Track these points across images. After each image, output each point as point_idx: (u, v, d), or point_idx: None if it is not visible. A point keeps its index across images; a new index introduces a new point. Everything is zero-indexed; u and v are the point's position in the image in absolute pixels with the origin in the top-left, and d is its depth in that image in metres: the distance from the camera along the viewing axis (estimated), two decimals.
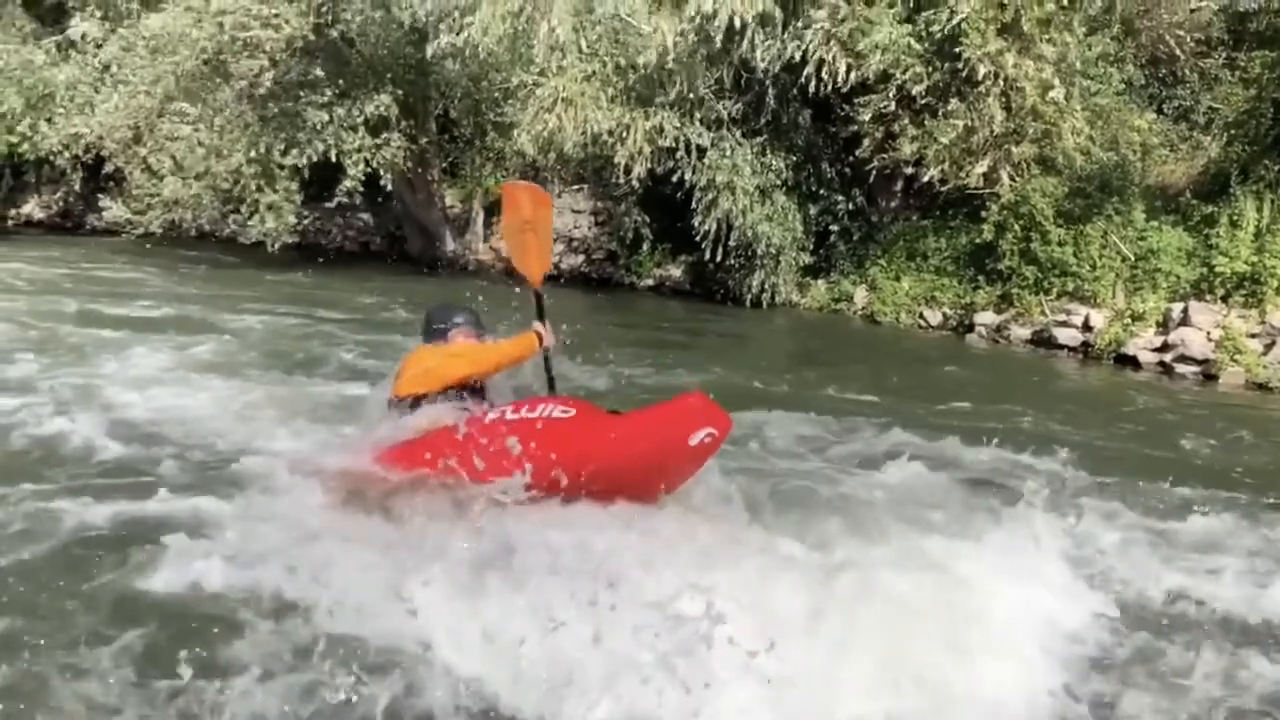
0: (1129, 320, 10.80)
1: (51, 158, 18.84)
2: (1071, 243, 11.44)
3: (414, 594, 3.22)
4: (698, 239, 13.53)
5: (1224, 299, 10.49)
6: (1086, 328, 11.12)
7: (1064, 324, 11.30)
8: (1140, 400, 8.64)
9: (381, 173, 15.08)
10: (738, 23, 12.16)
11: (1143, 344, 10.56)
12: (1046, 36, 11.92)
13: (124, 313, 10.01)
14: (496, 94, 15.16)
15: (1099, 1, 12.35)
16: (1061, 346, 11.18)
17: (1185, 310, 10.39)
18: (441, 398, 4.34)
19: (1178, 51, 13.64)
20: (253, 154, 14.32)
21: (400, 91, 15.11)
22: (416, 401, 4.34)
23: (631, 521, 3.62)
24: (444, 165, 17.61)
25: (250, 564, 3.54)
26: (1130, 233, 11.35)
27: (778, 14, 12.37)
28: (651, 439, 3.77)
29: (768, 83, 13.09)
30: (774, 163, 13.43)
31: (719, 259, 13.51)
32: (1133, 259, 11.22)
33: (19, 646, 3.05)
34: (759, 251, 13.33)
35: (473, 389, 4.45)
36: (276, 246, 14.95)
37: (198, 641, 3.07)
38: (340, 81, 14.71)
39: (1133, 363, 10.46)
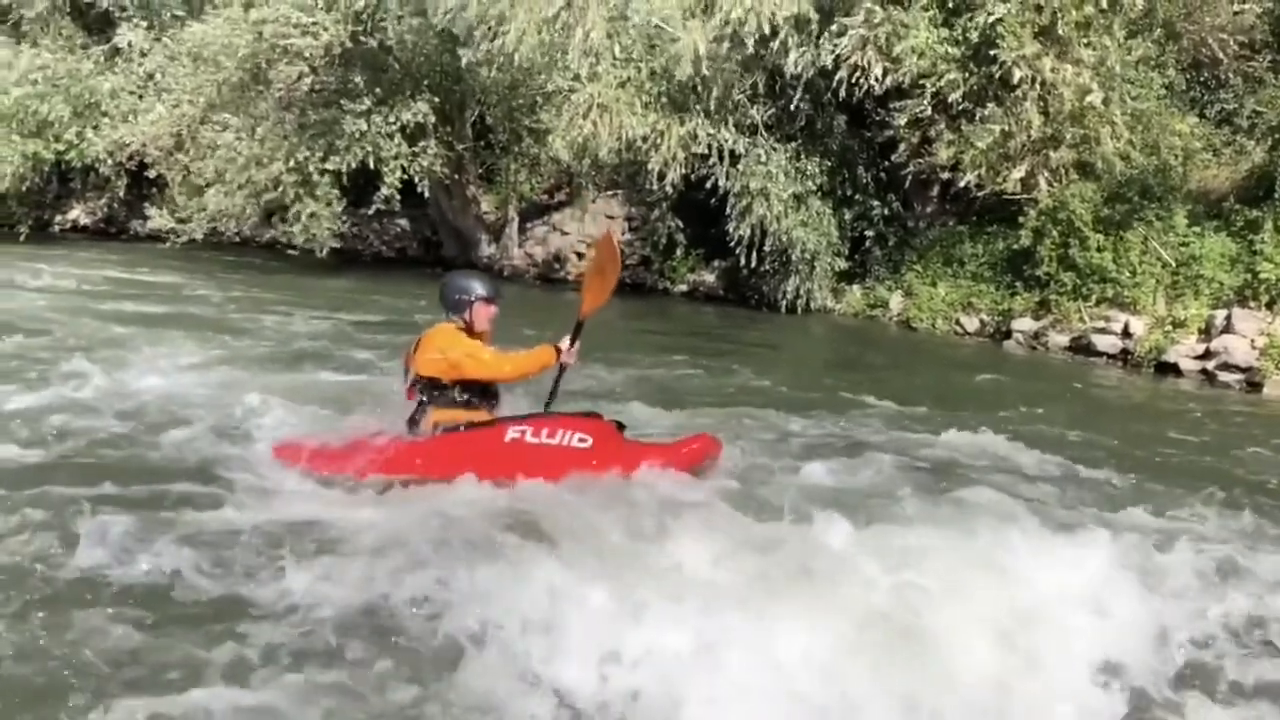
0: (1170, 327, 10.65)
1: (97, 165, 19.23)
2: (1111, 249, 11.31)
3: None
4: (732, 245, 13.53)
5: (1269, 305, 10.33)
6: (1126, 335, 10.98)
7: (1103, 331, 11.16)
8: (1184, 409, 8.52)
9: (418, 179, 15.23)
10: (766, 27, 12.15)
11: (1184, 351, 10.41)
12: (1085, 40, 11.81)
13: (169, 311, 10.25)
14: (532, 100, 15.24)
15: (1140, 4, 12.17)
16: (1101, 354, 11.04)
17: (1228, 317, 10.23)
18: (456, 389, 4.74)
19: (1220, 55, 13.42)
20: (292, 162, 14.52)
21: (437, 99, 15.25)
22: (433, 383, 4.73)
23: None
24: (480, 171, 17.74)
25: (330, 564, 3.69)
26: (1172, 238, 11.20)
27: (813, 17, 12.34)
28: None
29: (802, 88, 13.06)
30: (808, 168, 13.40)
31: (753, 265, 13.50)
32: (1174, 265, 11.07)
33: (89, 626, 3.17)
34: (794, 257, 13.30)
35: (485, 388, 4.84)
36: (324, 252, 15.15)
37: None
38: (378, 89, 14.89)
39: (1174, 370, 10.30)
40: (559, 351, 4.76)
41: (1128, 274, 11.21)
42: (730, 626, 3.00)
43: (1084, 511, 3.73)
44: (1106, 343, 11.06)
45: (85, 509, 3.98)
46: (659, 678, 2.92)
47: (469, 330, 4.80)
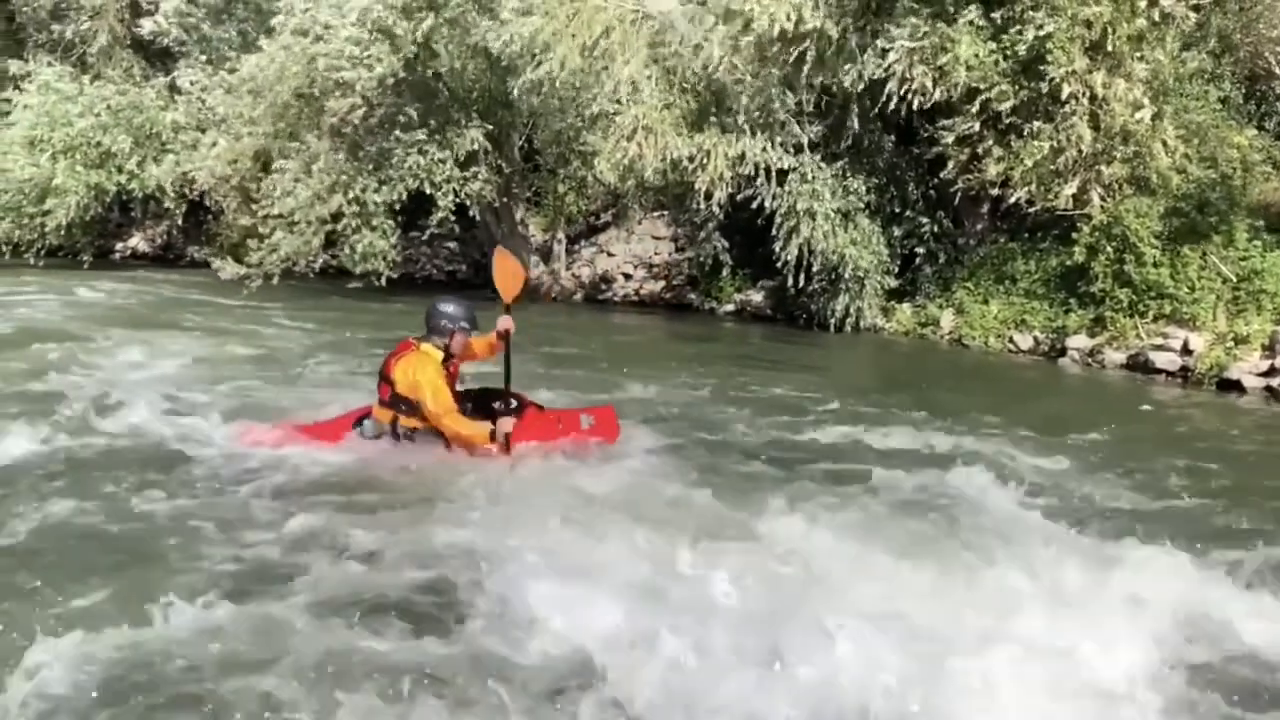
0: (1232, 343, 10.43)
1: (158, 195, 19.80)
2: (1168, 264, 11.12)
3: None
4: (779, 264, 13.52)
5: None
6: (1186, 351, 10.76)
7: (1161, 348, 10.95)
8: (1250, 427, 8.33)
9: (470, 204, 15.44)
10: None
11: (1248, 368, 10.18)
12: (1138, 54, 11.67)
13: (244, 347, 10.51)
14: (578, 123, 15.41)
15: (1193, 17, 12.00)
16: (1159, 371, 10.83)
17: None
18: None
19: (1277, 69, 13.19)
20: (350, 194, 14.78)
21: (488, 126, 15.46)
22: (399, 394, 5.59)
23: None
24: (528, 195, 17.95)
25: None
26: (1232, 253, 10.99)
27: (850, 32, 12.32)
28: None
29: (849, 104, 13.04)
30: (856, 186, 13.37)
31: (801, 284, 13.48)
32: (1235, 280, 10.86)
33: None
34: (843, 275, 13.26)
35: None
36: (383, 281, 15.34)
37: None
38: (430, 119, 15.14)
39: (1237, 387, 10.07)
40: (492, 437, 5.49)
41: (1186, 289, 11.01)
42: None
43: (1157, 537, 3.66)
44: (1165, 359, 10.85)
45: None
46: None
47: (447, 351, 5.65)
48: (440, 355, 5.60)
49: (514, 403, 5.76)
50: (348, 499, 4.91)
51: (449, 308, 5.71)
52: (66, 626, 3.32)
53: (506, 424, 5.51)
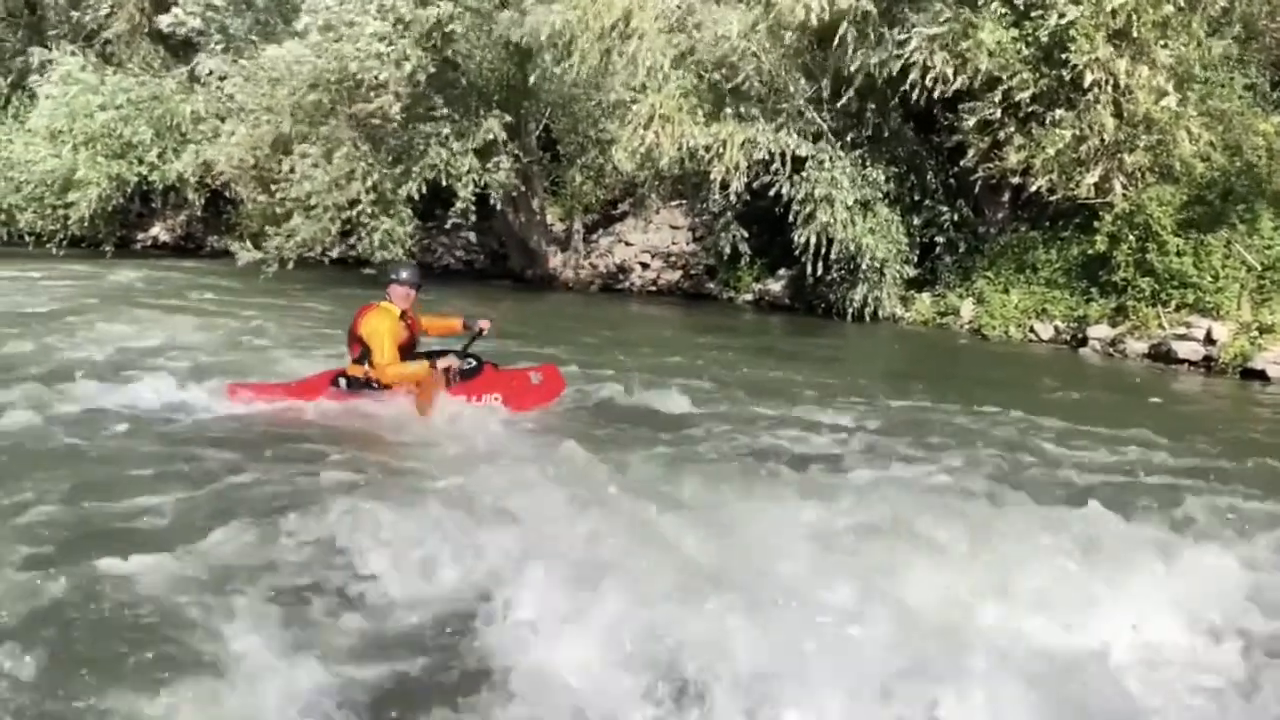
0: (1257, 333, 10.34)
1: (178, 185, 19.91)
2: (1191, 253, 11.03)
3: None
4: (797, 253, 13.47)
5: None
6: (1209, 341, 10.67)
7: (1184, 337, 10.86)
8: (1274, 418, 8.26)
9: (490, 193, 15.45)
10: (815, 21, 12.09)
11: (1272, 358, 10.08)
12: (1162, 41, 11.54)
13: (249, 324, 10.69)
14: (596, 111, 15.37)
15: (1219, 3, 11.84)
16: (1182, 361, 10.74)
17: None
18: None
19: None
20: (369, 182, 14.82)
21: (509, 117, 15.45)
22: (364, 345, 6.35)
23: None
24: (546, 184, 17.94)
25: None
26: (1256, 241, 10.89)
27: (874, 14, 12.21)
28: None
29: (868, 91, 12.96)
30: (874, 174, 13.29)
31: (818, 273, 13.42)
32: (1259, 268, 10.76)
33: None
34: (861, 265, 13.20)
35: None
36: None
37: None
38: (452, 110, 15.14)
39: (1261, 377, 9.99)
40: (434, 370, 6.32)
41: (1209, 278, 10.91)
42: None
43: (1189, 526, 3.63)
44: (1188, 349, 10.76)
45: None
46: None
47: (401, 311, 6.44)
48: (396, 311, 6.39)
49: (472, 361, 6.68)
50: (319, 449, 5.58)
51: (392, 266, 7.06)
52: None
53: (448, 360, 6.36)
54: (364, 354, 6.30)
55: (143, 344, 9.24)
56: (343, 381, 6.46)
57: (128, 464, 5.23)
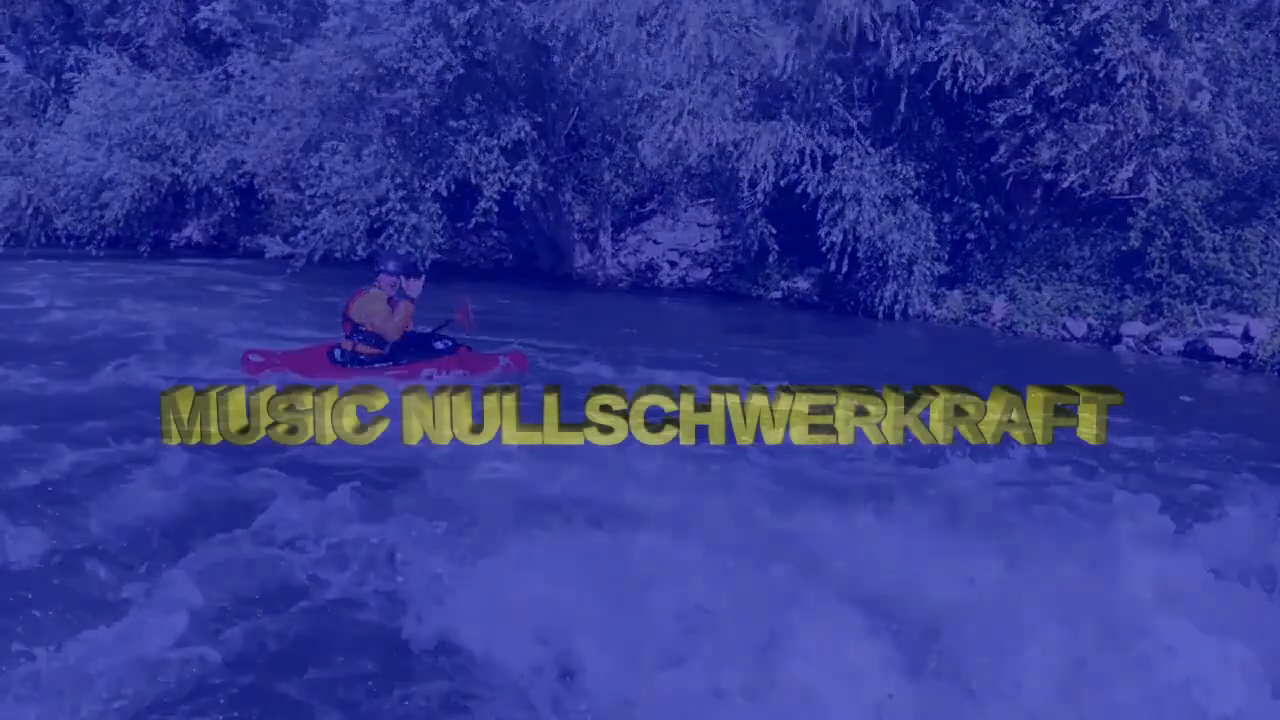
0: None
1: (211, 186, 20.15)
2: (1228, 248, 10.89)
3: None
4: (825, 250, 13.42)
5: None
6: (1247, 338, 10.54)
7: (1220, 334, 10.74)
8: None
9: (518, 192, 15.50)
10: (855, 29, 12.05)
11: None
12: (1197, 34, 11.38)
13: (267, 314, 11.19)
14: (626, 107, 15.36)
15: None
16: (1218, 358, 10.62)
17: None
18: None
19: None
20: (398, 179, 14.95)
21: (537, 116, 15.50)
22: (357, 326, 7.44)
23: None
24: (574, 183, 17.97)
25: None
26: None
27: (913, 8, 12.14)
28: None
29: (900, 88, 12.88)
30: (904, 171, 13.22)
31: (846, 270, 13.37)
32: None
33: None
34: (890, 262, 13.13)
35: (379, 338, 7.53)
36: (427, 265, 15.48)
37: None
38: (480, 107, 15.21)
39: None
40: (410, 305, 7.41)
41: (1247, 275, 10.77)
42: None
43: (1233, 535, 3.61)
44: (1225, 346, 10.63)
45: None
46: None
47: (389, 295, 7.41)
48: (383, 296, 7.39)
49: (450, 341, 7.75)
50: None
51: (381, 257, 8.50)
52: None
53: (413, 286, 7.31)
54: (354, 331, 7.40)
55: (169, 331, 10.29)
56: (337, 353, 7.58)
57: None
